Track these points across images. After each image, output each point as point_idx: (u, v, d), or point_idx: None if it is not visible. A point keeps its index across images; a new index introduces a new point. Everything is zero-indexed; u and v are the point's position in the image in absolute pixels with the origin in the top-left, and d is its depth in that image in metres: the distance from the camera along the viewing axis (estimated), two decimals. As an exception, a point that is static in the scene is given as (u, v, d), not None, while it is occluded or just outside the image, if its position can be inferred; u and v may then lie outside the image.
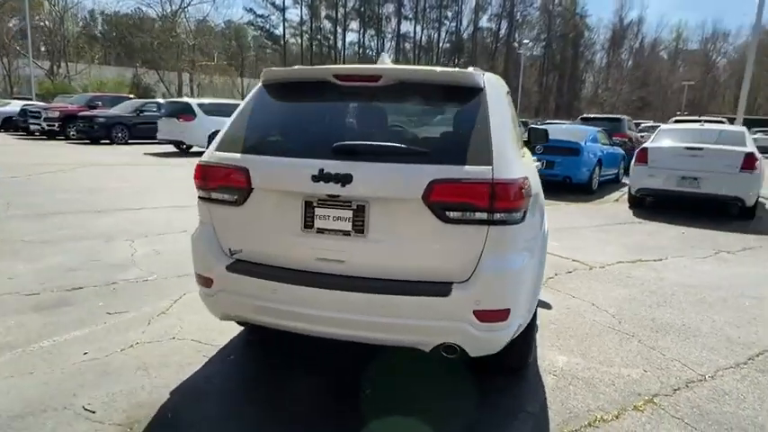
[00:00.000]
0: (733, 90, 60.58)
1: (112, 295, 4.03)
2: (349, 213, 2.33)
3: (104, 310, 3.71)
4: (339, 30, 60.56)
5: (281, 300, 2.41)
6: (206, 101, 16.44)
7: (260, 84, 2.78)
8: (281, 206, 2.43)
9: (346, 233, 2.34)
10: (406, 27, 62.82)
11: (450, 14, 62.68)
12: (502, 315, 2.29)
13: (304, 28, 59.50)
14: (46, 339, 3.22)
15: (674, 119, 15.15)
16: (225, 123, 2.76)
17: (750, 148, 8.26)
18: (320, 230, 2.37)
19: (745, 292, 4.68)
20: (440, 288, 2.27)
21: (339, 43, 61.42)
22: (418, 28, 62.36)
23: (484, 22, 65.93)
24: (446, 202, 2.23)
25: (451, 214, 2.23)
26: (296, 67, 2.79)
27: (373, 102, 2.62)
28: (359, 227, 2.32)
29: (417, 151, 2.36)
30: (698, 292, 4.61)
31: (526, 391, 2.83)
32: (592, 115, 16.92)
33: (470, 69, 2.52)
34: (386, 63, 2.92)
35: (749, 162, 7.92)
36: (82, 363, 2.95)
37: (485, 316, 2.25)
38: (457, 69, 2.52)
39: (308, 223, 2.38)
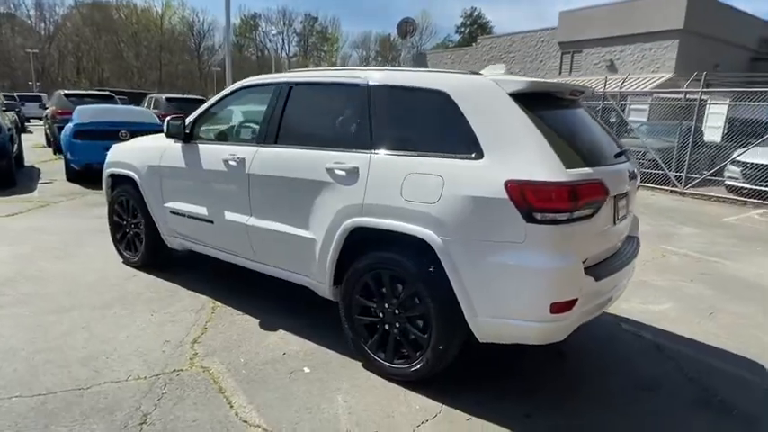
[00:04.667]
0: (74, 61, 61.80)
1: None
2: (620, 202, 2.91)
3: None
4: None
5: (614, 287, 2.75)
6: None
7: (506, 91, 2.55)
8: (607, 209, 2.65)
9: (623, 217, 2.94)
10: None
11: None
12: None
13: None
14: None
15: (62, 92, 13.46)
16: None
17: None
18: (619, 219, 2.85)
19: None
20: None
21: None
22: None
23: None
24: None
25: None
26: (545, 80, 2.73)
27: (578, 110, 3.04)
28: (625, 210, 2.98)
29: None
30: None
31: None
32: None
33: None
34: (499, 70, 3.07)
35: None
36: None
37: None
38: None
39: (615, 216, 2.79)
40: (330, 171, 2.95)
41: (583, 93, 2.99)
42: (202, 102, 15.83)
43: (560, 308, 2.42)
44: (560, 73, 24.20)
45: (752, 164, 9.34)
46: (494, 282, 2.45)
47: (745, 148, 9.59)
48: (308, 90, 3.35)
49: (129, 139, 8.46)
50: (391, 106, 2.91)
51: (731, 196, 9.70)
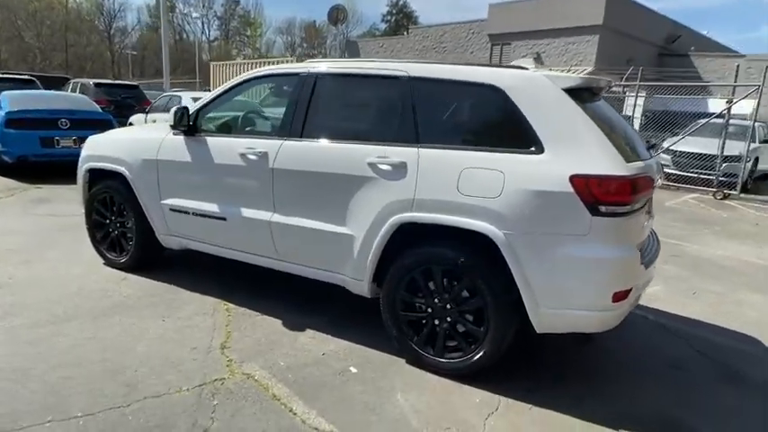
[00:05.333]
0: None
1: None
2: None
3: None
4: None
5: (648, 279, 2.91)
6: None
7: (561, 87, 2.61)
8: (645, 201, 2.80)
9: (651, 210, 3.11)
10: None
11: None
12: None
13: None
14: None
15: None
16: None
17: None
18: (650, 212, 3.01)
19: None
20: None
21: None
22: None
23: None
24: None
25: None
26: (589, 76, 2.78)
27: (603, 102, 3.11)
28: (652, 203, 3.15)
29: None
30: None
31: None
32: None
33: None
34: (532, 66, 3.10)
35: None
36: None
37: None
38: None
39: (648, 210, 2.94)
40: (373, 165, 2.87)
41: (610, 86, 3.14)
42: (135, 88, 14.73)
43: (620, 296, 2.54)
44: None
45: (681, 152, 10.24)
46: (558, 274, 2.51)
47: (678, 137, 10.48)
48: (339, 82, 3.23)
49: (68, 129, 7.92)
50: (438, 100, 2.88)
51: (662, 182, 10.55)
